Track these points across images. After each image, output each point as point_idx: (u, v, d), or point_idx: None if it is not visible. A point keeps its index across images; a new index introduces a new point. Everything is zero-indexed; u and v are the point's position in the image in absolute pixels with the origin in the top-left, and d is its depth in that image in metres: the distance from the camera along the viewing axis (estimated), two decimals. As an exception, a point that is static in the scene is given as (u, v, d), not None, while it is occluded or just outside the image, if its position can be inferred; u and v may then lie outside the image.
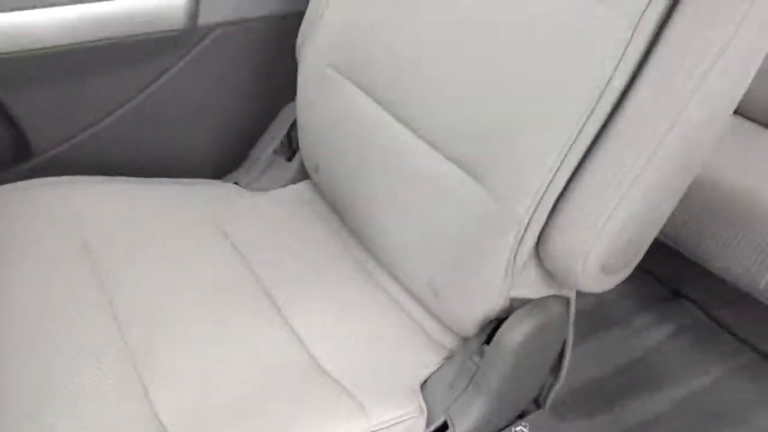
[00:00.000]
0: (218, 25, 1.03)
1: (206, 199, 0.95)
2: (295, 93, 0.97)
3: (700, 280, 1.20)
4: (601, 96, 0.59)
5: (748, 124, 1.24)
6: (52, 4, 0.87)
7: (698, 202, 1.06)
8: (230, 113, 1.12)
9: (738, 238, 1.00)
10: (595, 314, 1.26)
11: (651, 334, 1.24)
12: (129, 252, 0.82)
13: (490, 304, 0.71)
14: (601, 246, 0.62)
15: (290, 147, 1.05)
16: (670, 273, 1.33)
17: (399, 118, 0.78)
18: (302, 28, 0.96)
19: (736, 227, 1.01)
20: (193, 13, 0.99)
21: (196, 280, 0.80)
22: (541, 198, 0.63)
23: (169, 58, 1.01)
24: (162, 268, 0.81)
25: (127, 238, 0.84)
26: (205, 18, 1.01)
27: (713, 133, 0.61)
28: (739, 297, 1.10)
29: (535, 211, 0.64)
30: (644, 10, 0.57)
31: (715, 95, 0.57)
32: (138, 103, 1.02)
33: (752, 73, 0.58)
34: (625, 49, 0.58)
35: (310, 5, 0.94)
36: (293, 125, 1.02)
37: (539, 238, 0.66)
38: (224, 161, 1.10)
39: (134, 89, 1.01)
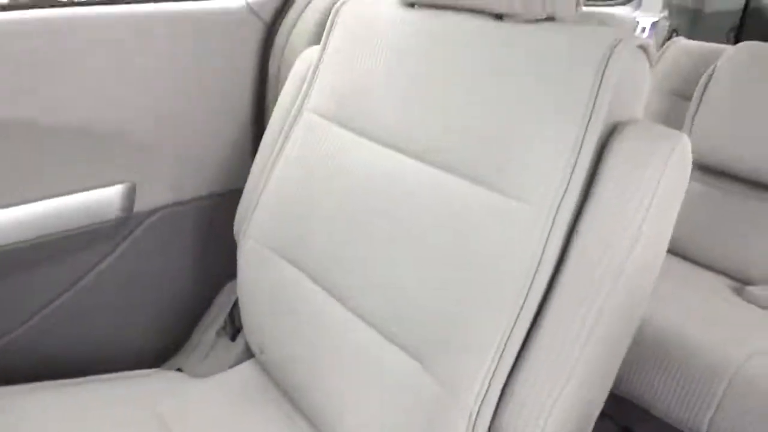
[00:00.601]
0: (155, 210, 1.04)
1: (147, 393, 0.91)
2: (235, 270, 0.98)
3: (649, 416, 1.21)
4: (533, 279, 0.63)
5: (677, 262, 1.31)
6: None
7: (631, 350, 1.09)
8: (169, 296, 1.11)
9: (674, 382, 1.04)
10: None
11: None
12: None
13: None
14: (554, 424, 0.63)
15: (233, 326, 1.04)
16: (619, 411, 1.34)
17: (338, 299, 0.80)
18: (240, 207, 0.98)
19: (670, 372, 1.05)
20: (129, 201, 1.00)
21: None
22: (489, 384, 0.64)
23: (103, 247, 1.01)
24: None
25: None
26: (142, 205, 1.02)
27: (649, 280, 0.65)
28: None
29: (484, 397, 0.65)
30: (559, 205, 0.62)
31: (647, 249, 0.62)
32: (71, 297, 0.99)
33: (674, 217, 0.64)
34: (547, 239, 0.63)
35: (248, 184, 0.97)
36: (235, 304, 1.02)
37: (492, 422, 0.66)
38: (165, 346, 1.07)
39: (67, 283, 0.99)
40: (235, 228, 0.99)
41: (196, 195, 1.08)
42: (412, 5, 0.80)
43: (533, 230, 0.63)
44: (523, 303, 0.63)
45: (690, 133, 1.29)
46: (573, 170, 0.63)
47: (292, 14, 1.06)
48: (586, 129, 0.62)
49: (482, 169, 0.69)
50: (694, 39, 1.48)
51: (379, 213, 0.76)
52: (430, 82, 0.75)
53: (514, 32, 0.69)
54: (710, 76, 1.31)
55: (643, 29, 1.55)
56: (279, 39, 1.06)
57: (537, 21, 0.69)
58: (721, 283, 1.27)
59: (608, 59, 0.62)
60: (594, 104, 0.62)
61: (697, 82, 1.35)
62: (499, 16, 0.72)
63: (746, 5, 1.76)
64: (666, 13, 1.59)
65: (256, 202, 0.93)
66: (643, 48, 0.64)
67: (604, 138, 0.63)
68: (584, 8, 1.62)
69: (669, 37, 1.64)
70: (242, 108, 1.08)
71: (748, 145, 1.21)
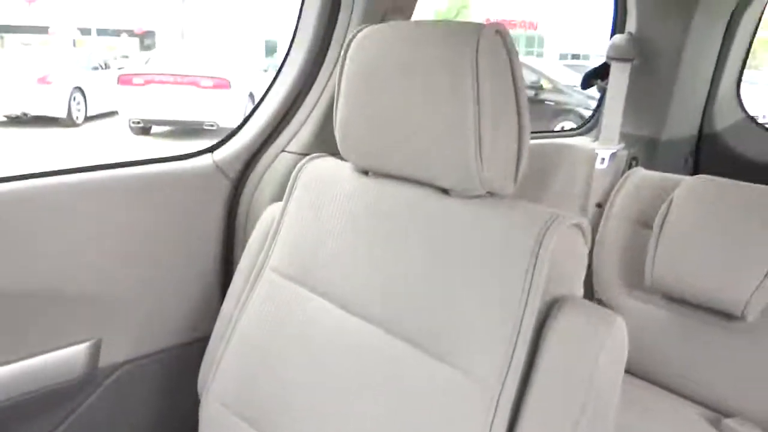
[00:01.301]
0: (120, 364, 1.03)
1: None
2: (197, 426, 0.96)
3: None
4: None
5: (649, 389, 1.30)
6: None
7: None
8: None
9: None
10: None
11: None
12: None
13: None
14: None
15: None
16: None
17: None
18: (204, 363, 0.98)
19: None
20: (94, 357, 1.00)
21: None
22: None
23: (66, 407, 0.99)
24: None
25: None
26: (107, 359, 1.02)
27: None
28: None
29: None
30: (503, 382, 0.64)
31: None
32: None
33: (618, 388, 0.65)
34: (494, 416, 0.64)
35: (212, 339, 0.97)
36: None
37: None
38: None
39: None
40: (199, 384, 0.98)
41: (162, 347, 1.08)
42: (366, 173, 0.84)
43: (480, 405, 0.64)
44: None
45: (653, 262, 1.32)
46: (515, 347, 0.64)
47: (257, 171, 1.11)
48: (526, 304, 0.65)
49: (428, 339, 0.70)
50: (652, 166, 1.54)
51: (336, 377, 0.77)
52: (380, 248, 0.78)
53: (458, 206, 0.73)
54: (669, 207, 1.36)
55: (603, 160, 1.62)
56: (245, 193, 1.11)
57: (479, 196, 0.73)
58: (696, 415, 1.26)
59: (543, 237, 0.66)
60: (531, 281, 0.65)
61: (657, 212, 1.40)
62: (445, 191, 0.76)
63: (700, 132, 1.85)
64: (623, 144, 1.67)
65: (219, 359, 0.93)
66: (577, 226, 0.68)
67: (544, 313, 0.66)
68: (545, 140, 1.70)
69: (629, 166, 1.71)
70: (209, 260, 1.10)
71: (707, 275, 1.23)
